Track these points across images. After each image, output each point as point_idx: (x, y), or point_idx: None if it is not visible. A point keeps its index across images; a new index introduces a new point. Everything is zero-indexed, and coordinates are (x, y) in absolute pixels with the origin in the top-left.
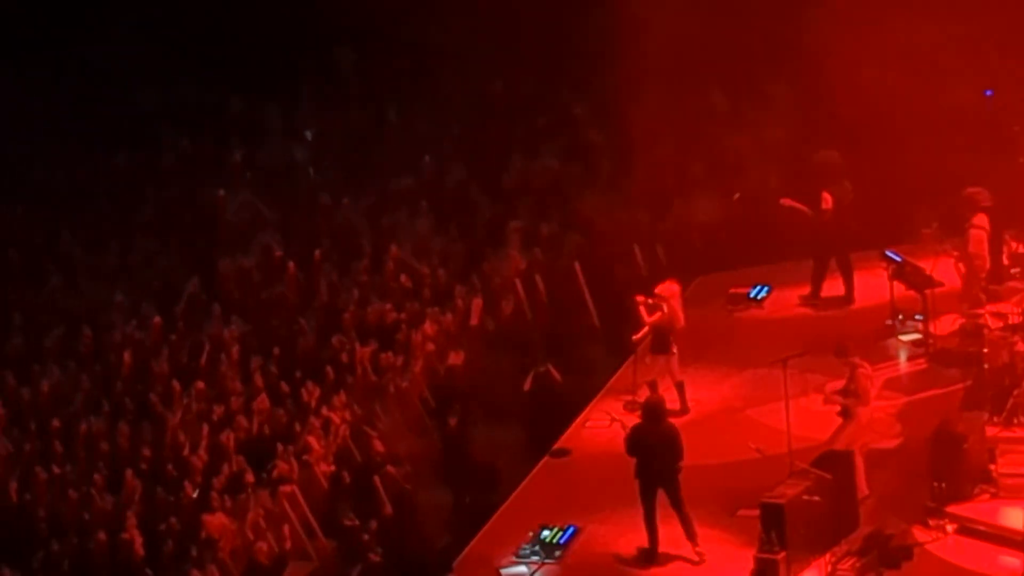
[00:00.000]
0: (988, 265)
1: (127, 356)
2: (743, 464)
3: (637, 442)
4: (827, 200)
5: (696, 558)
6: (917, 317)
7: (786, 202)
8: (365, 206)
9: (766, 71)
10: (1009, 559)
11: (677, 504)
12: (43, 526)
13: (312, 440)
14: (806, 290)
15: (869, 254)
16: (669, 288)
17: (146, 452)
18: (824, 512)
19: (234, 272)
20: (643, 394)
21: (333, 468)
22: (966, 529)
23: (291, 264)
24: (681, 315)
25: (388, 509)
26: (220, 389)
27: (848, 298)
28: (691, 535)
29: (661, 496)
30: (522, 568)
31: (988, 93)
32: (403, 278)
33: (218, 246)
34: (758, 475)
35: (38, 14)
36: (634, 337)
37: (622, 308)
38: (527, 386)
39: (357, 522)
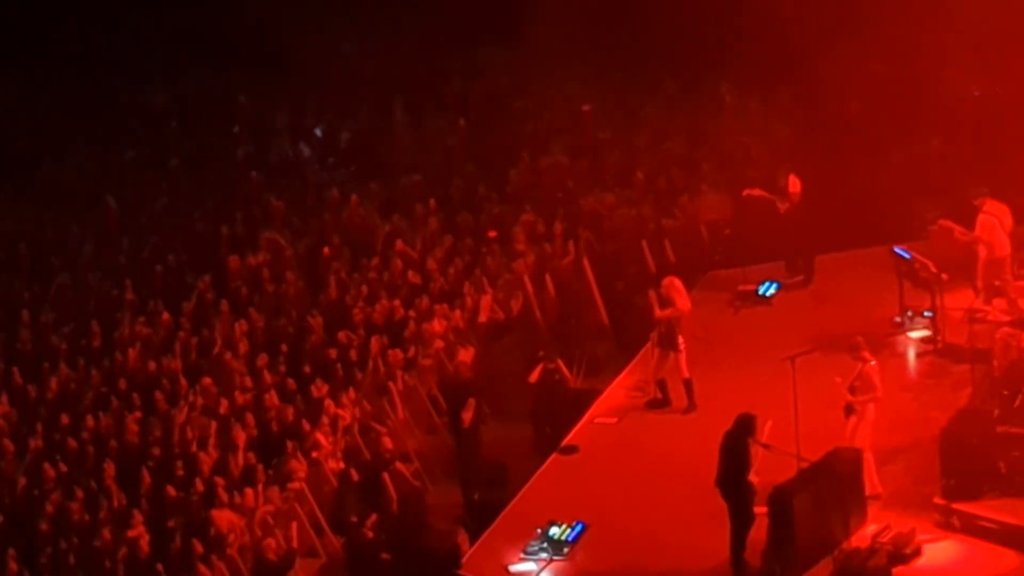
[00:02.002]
0: (1000, 253)
1: (136, 353)
2: (753, 462)
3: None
4: (795, 183)
5: None
6: (926, 313)
7: (752, 192)
8: (374, 203)
9: (773, 68)
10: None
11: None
12: (51, 523)
13: (321, 437)
14: (811, 286)
15: (878, 251)
16: (672, 284)
17: (154, 449)
18: (832, 508)
19: (243, 269)
20: (652, 391)
21: (342, 465)
22: (975, 526)
23: (300, 261)
24: (687, 304)
25: (396, 506)
26: (229, 386)
27: (807, 281)
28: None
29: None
30: (530, 565)
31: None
32: (411, 275)
33: (227, 243)
34: (766, 472)
35: (47, 12)
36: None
37: (631, 305)
38: (533, 378)
39: (366, 519)
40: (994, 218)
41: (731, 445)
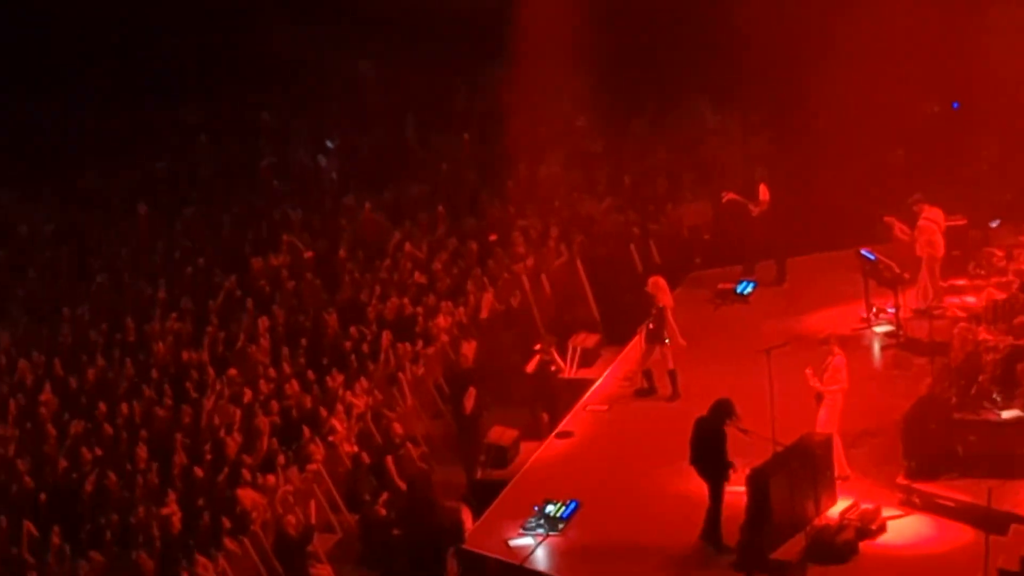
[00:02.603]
0: (938, 254)
1: (167, 346)
2: (731, 444)
3: None
4: (764, 191)
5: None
6: (889, 310)
7: (728, 195)
8: (385, 210)
9: (749, 88)
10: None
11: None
12: (90, 501)
13: (336, 423)
14: (784, 285)
15: (846, 253)
16: (656, 283)
17: (185, 434)
18: (805, 488)
19: (266, 269)
20: (640, 381)
21: (355, 448)
22: (934, 504)
23: (317, 262)
24: (669, 301)
25: (405, 486)
26: (253, 376)
27: (780, 279)
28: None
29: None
30: (528, 539)
31: (955, 105)
32: (418, 275)
33: (251, 246)
34: (745, 454)
35: (92, 35)
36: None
37: (620, 302)
38: (531, 369)
39: (378, 497)
40: (932, 222)
41: (708, 427)
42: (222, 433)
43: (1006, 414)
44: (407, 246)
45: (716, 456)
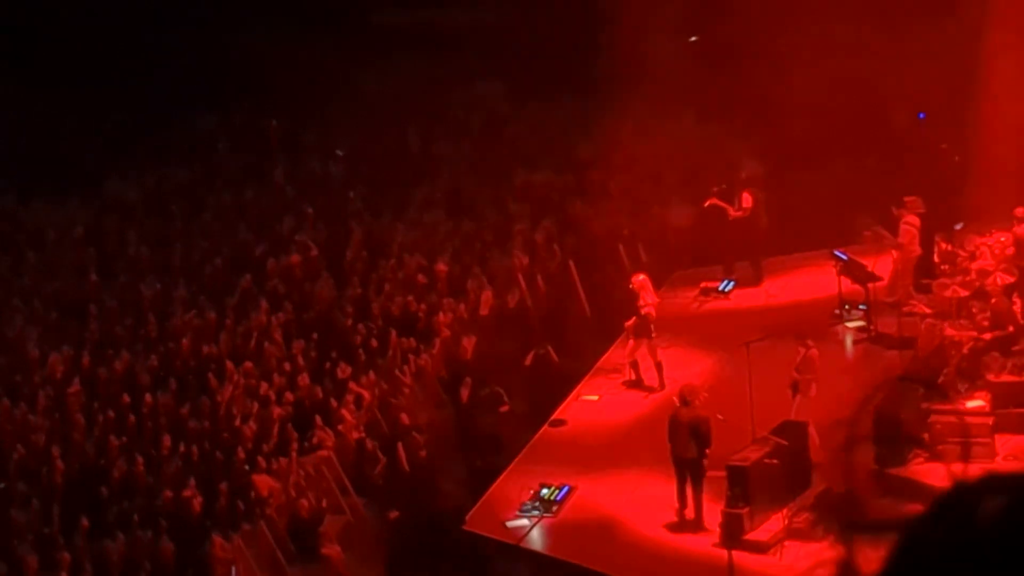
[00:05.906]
0: (918, 252)
1: (188, 341)
2: (712, 432)
3: (669, 422)
4: (747, 199)
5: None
6: (861, 307)
7: (711, 202)
8: (391, 213)
9: (730, 96)
10: None
11: (695, 488)
12: (116, 486)
13: (345, 412)
14: (762, 283)
15: (819, 254)
16: (640, 281)
17: (205, 423)
18: (781, 473)
19: (279, 269)
20: (627, 372)
21: (363, 436)
22: (902, 487)
23: (328, 263)
24: (653, 298)
25: (410, 472)
26: (267, 369)
27: (757, 279)
28: (696, 517)
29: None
30: (524, 521)
31: (921, 116)
32: (421, 274)
33: (265, 247)
34: (725, 441)
35: (114, 49)
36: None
37: (610, 299)
38: (528, 362)
39: (384, 483)
40: (914, 227)
41: (680, 415)
42: (238, 422)
43: (970, 404)
44: (411, 247)
45: (696, 446)
